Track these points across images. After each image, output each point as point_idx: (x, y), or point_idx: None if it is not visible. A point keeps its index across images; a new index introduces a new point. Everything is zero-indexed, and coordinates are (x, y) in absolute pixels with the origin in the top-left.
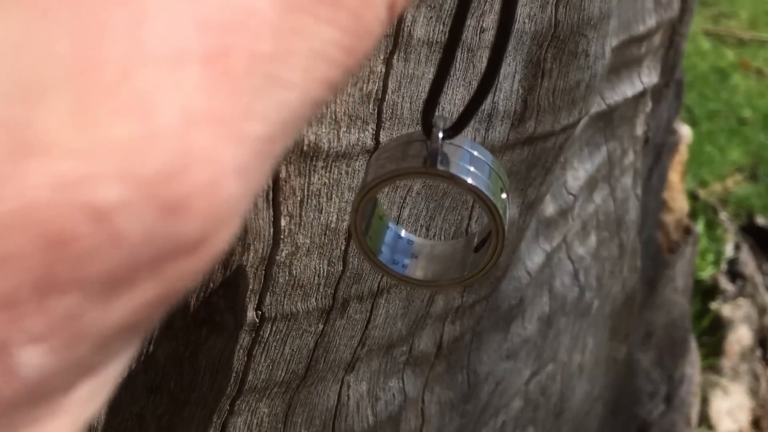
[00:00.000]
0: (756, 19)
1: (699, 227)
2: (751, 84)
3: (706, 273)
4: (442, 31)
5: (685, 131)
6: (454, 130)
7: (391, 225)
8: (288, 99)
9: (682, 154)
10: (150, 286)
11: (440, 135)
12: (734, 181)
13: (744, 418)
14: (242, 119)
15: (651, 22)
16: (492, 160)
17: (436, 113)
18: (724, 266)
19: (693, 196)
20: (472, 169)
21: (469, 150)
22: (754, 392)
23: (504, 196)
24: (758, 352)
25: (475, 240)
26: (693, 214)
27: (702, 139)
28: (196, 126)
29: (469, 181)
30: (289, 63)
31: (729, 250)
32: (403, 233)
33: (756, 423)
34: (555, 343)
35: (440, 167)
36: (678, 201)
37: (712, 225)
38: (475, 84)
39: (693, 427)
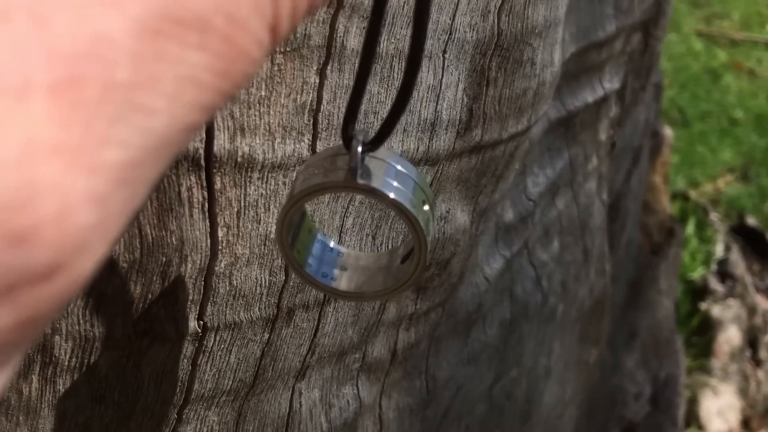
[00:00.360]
0: (748, 19)
1: (689, 228)
2: (743, 84)
3: (696, 274)
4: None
5: (667, 133)
6: (374, 144)
7: (320, 237)
8: (152, 125)
9: (665, 156)
10: (7, 311)
11: (359, 149)
12: (725, 182)
13: (734, 418)
14: (96, 148)
15: (611, 28)
16: (416, 174)
17: (357, 126)
18: (714, 267)
19: (684, 197)
20: (394, 183)
21: (393, 164)
22: (743, 392)
23: (426, 208)
24: (748, 353)
25: (401, 251)
26: (683, 215)
27: (694, 140)
28: (41, 157)
29: (391, 195)
30: (151, 89)
31: (719, 251)
32: (332, 244)
33: (746, 423)
34: (518, 348)
35: (360, 181)
36: (661, 203)
37: (702, 225)
38: (413, 94)
39: (680, 427)
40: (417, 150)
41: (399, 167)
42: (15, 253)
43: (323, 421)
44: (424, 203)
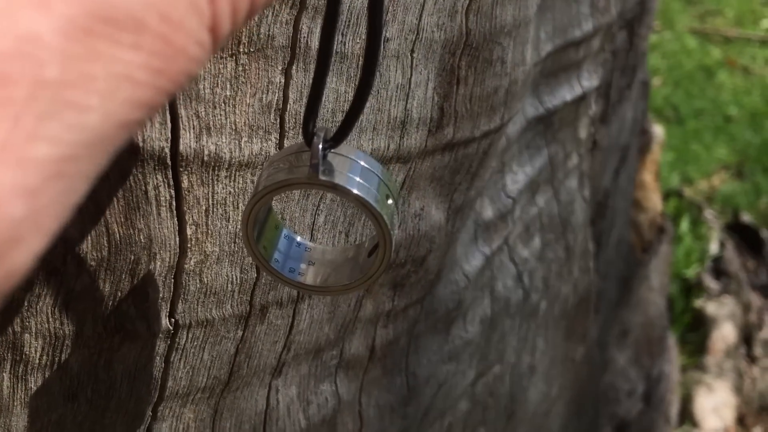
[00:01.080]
0: (742, 16)
1: (684, 225)
2: (738, 82)
3: (691, 271)
4: (340, 41)
5: (657, 131)
6: (336, 140)
7: (287, 232)
8: (85, 121)
9: (655, 154)
10: None
11: (320, 145)
12: (720, 179)
13: (729, 415)
14: (25, 143)
15: (587, 26)
16: (379, 169)
17: (318, 123)
18: (708, 264)
19: (678, 194)
20: (357, 178)
21: (356, 159)
22: (738, 389)
23: (390, 202)
24: (742, 349)
25: (367, 245)
26: (678, 212)
27: (688, 137)
28: None
29: (354, 191)
30: (84, 87)
31: (714, 248)
32: (298, 239)
33: (741, 420)
34: (500, 344)
35: (323, 177)
36: (652, 200)
37: (697, 223)
38: (382, 93)
39: (673, 425)
40: (388, 148)
41: (362, 163)
42: None
43: (301, 418)
44: (387, 198)
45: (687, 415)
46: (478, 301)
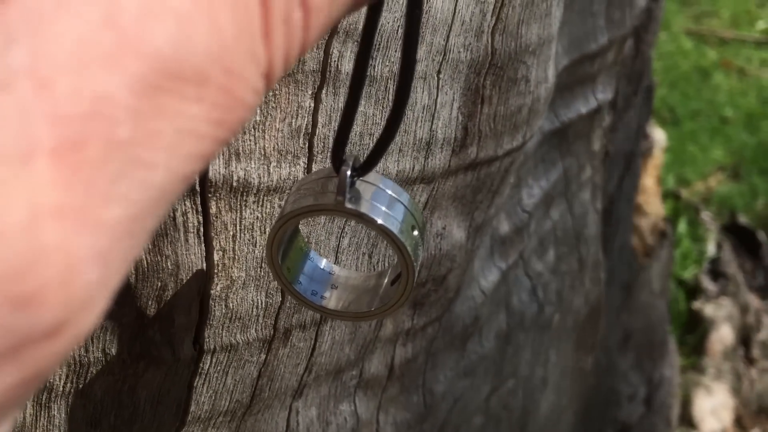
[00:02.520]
0: (737, 18)
1: (681, 227)
2: (733, 83)
3: (688, 272)
4: (370, 64)
5: (659, 136)
6: (365, 168)
7: (312, 255)
8: (152, 179)
9: (656, 159)
10: (11, 371)
11: (348, 173)
12: (717, 181)
13: (727, 417)
14: (99, 206)
15: (603, 39)
16: (407, 199)
17: (348, 151)
18: (706, 266)
19: (675, 196)
20: (383, 208)
21: (383, 188)
22: (736, 391)
23: (416, 233)
24: (740, 351)
25: (390, 272)
26: (675, 214)
27: (684, 139)
28: (44, 220)
29: (379, 221)
30: (151, 144)
31: (711, 250)
32: (323, 264)
33: (739, 422)
34: (515, 358)
35: (349, 205)
36: (653, 205)
37: (694, 224)
38: (409, 114)
39: (673, 428)
40: (413, 169)
41: (389, 192)
42: (21, 316)
43: None
44: (413, 229)
45: (685, 417)
46: (493, 316)
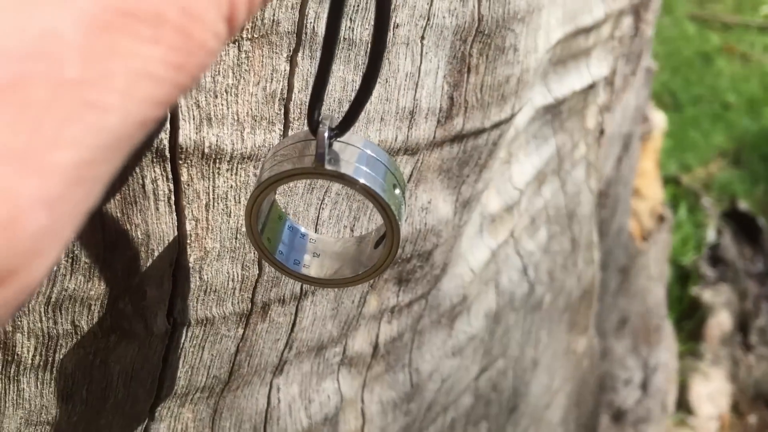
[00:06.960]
0: (741, 3)
1: (681, 212)
2: (736, 69)
3: (688, 258)
4: (348, 27)
5: (658, 119)
6: (342, 129)
7: (291, 223)
8: (106, 123)
9: (656, 142)
10: None
11: (326, 134)
12: (717, 166)
13: (724, 402)
14: (46, 149)
15: (599, 12)
16: (386, 158)
17: (324, 112)
18: (705, 251)
19: (676, 182)
20: (364, 168)
21: (362, 148)
22: (734, 377)
23: (398, 192)
24: (738, 337)
25: (374, 236)
26: (675, 200)
27: (686, 124)
28: None
29: (361, 180)
30: (103, 86)
31: (711, 236)
32: (303, 230)
33: (736, 407)
34: (505, 338)
35: (329, 167)
36: (652, 188)
37: (694, 210)
38: (391, 81)
39: (669, 413)
40: (396, 139)
41: (368, 152)
42: None
43: (303, 417)
44: (395, 187)
45: (683, 402)
46: (482, 295)
